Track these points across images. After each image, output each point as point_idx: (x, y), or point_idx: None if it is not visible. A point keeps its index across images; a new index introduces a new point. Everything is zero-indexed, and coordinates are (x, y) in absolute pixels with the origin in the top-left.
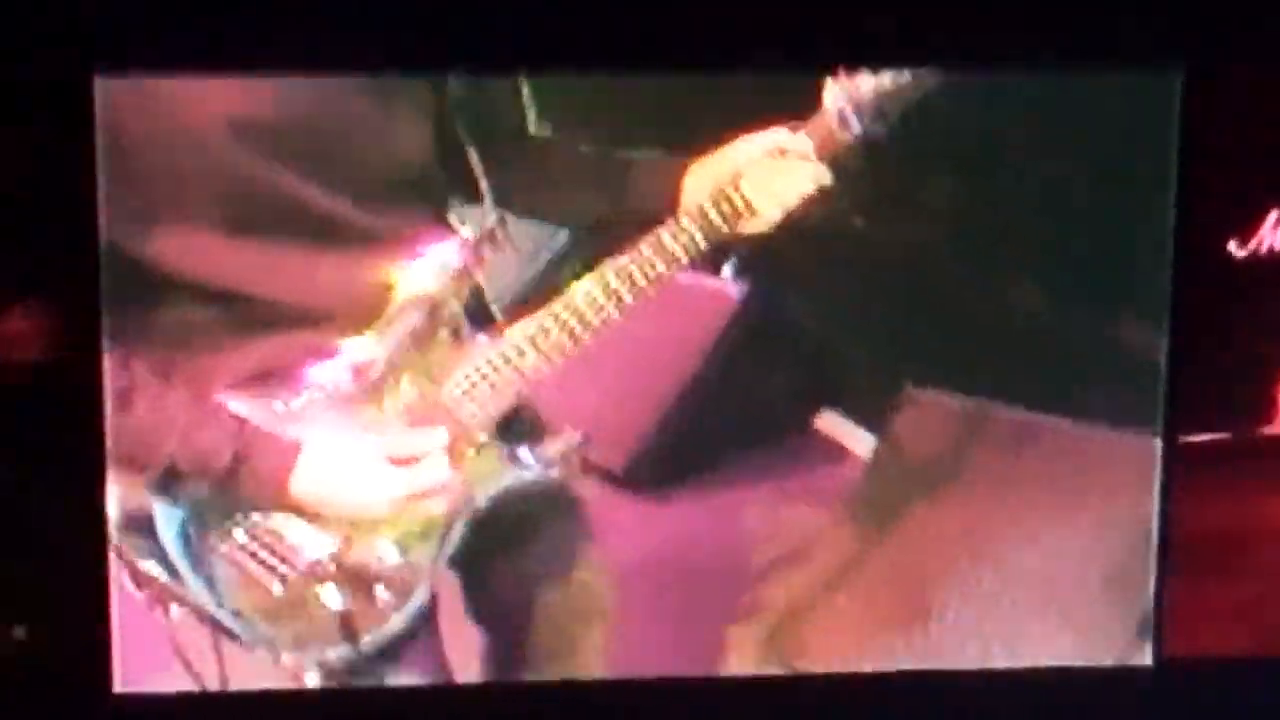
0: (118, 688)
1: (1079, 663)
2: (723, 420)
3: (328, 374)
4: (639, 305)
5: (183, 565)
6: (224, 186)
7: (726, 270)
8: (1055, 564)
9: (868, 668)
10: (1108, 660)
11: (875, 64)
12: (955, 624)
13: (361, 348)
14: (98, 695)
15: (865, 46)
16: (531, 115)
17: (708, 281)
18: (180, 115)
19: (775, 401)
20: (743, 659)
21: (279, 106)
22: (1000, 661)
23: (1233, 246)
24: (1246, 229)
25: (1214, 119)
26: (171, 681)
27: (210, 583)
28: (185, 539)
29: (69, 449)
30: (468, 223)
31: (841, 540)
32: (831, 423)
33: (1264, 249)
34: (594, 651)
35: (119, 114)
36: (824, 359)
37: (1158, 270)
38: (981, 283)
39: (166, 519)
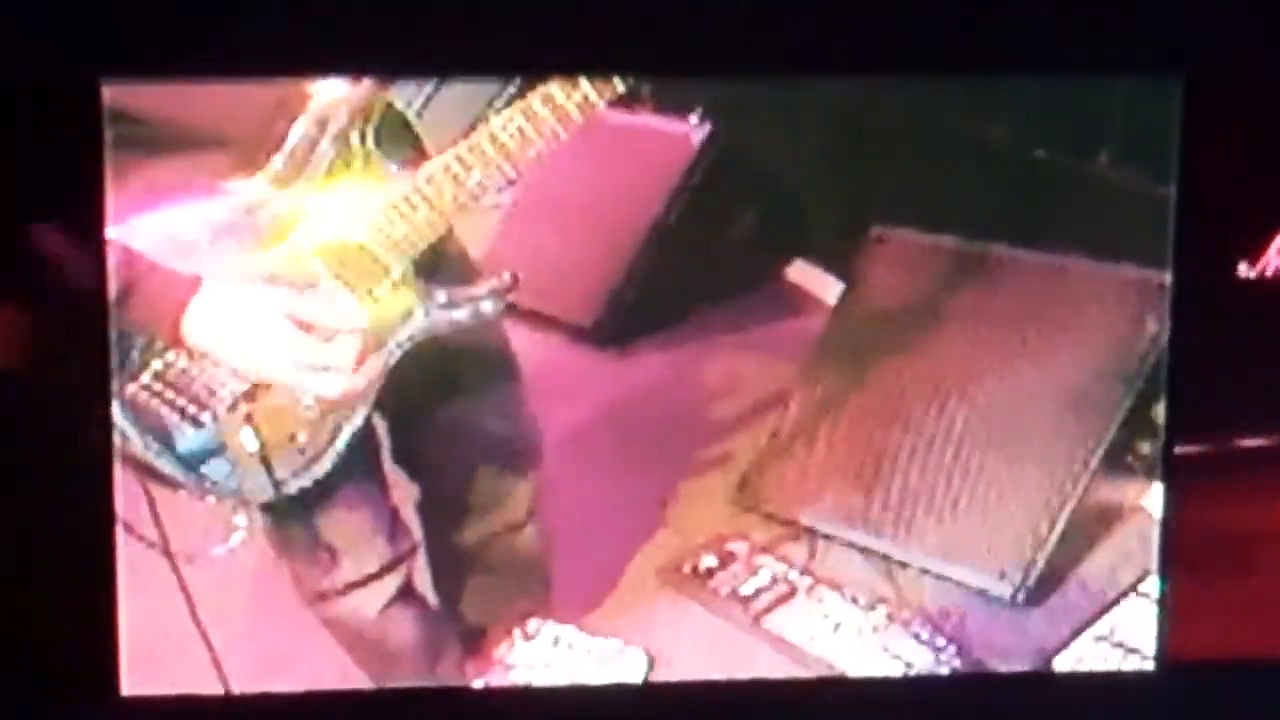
0: (125, 690)
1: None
2: (687, 270)
3: (225, 203)
4: (597, 149)
5: None
6: None
7: (693, 117)
8: (1025, 399)
9: (837, 515)
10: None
11: (873, 69)
12: (924, 465)
13: (263, 176)
14: (105, 698)
15: (864, 50)
16: None
17: (669, 126)
18: None
19: (741, 250)
20: (711, 510)
21: None
22: (951, 498)
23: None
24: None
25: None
26: (180, 684)
27: (124, 422)
28: None
29: (73, 444)
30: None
31: (811, 387)
32: (802, 272)
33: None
34: (524, 500)
35: None
36: (790, 204)
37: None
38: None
39: None
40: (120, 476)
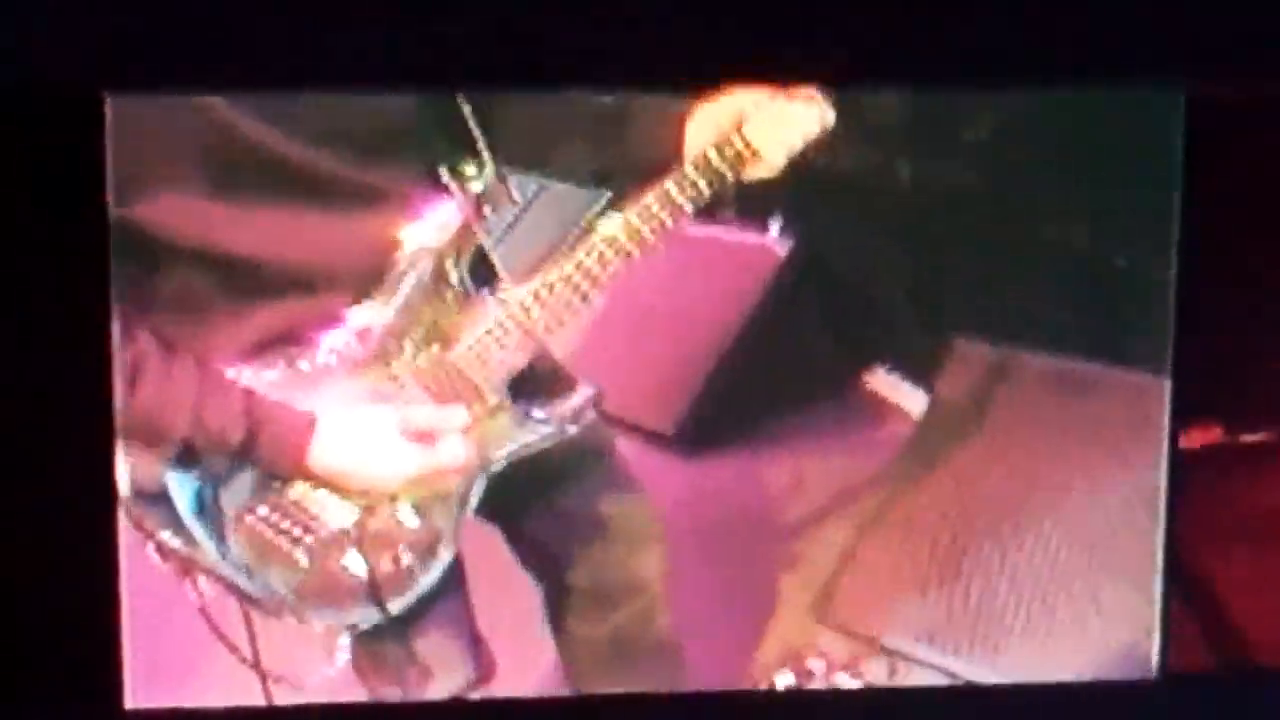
0: (129, 704)
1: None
2: (768, 379)
3: (334, 339)
4: (680, 259)
5: (202, 536)
6: (218, 148)
7: (772, 226)
8: (1111, 511)
9: (918, 634)
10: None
11: (878, 80)
12: (1009, 581)
13: (366, 311)
14: (108, 711)
15: (869, 62)
16: None
17: (752, 238)
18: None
19: (823, 359)
20: (790, 610)
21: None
22: (1039, 611)
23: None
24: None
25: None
26: (182, 697)
27: (234, 554)
28: (201, 509)
29: (80, 461)
30: (465, 179)
31: (892, 499)
32: (882, 380)
33: None
34: (653, 579)
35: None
36: (872, 314)
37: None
38: (1020, 226)
39: (181, 492)
40: (211, 593)
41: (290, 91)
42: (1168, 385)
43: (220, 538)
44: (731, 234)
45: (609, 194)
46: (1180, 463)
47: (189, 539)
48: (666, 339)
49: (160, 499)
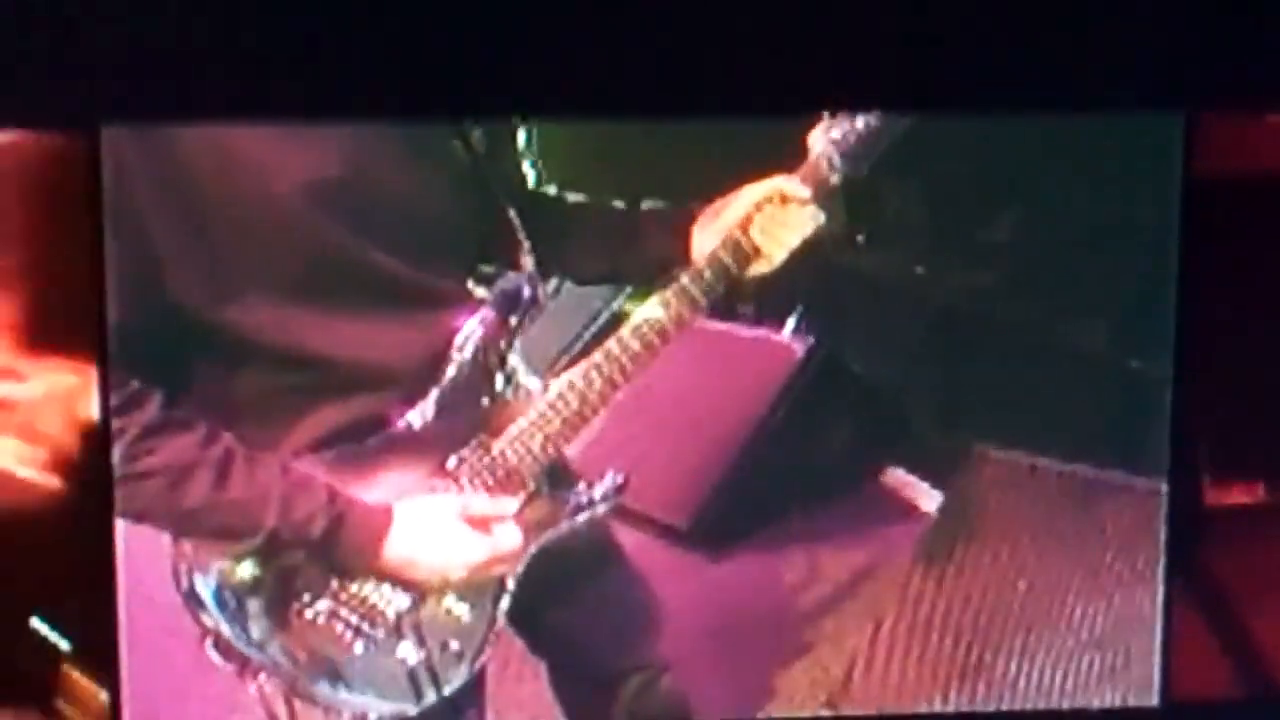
0: None
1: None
2: (784, 475)
3: (391, 435)
4: (697, 355)
5: (245, 633)
6: (295, 253)
7: (790, 324)
8: (1113, 622)
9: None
10: None
11: (884, 109)
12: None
13: (420, 408)
14: None
15: (874, 92)
16: (532, 173)
17: (771, 335)
18: (255, 178)
19: (839, 457)
20: (804, 704)
21: (348, 170)
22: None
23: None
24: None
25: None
26: None
27: (289, 649)
28: (222, 604)
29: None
30: (499, 287)
31: (906, 599)
32: (898, 479)
33: None
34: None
35: (192, 172)
36: (889, 414)
37: None
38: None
39: (204, 589)
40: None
41: (288, 123)
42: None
43: (271, 634)
44: (749, 331)
45: (628, 289)
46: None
47: (240, 637)
48: (683, 434)
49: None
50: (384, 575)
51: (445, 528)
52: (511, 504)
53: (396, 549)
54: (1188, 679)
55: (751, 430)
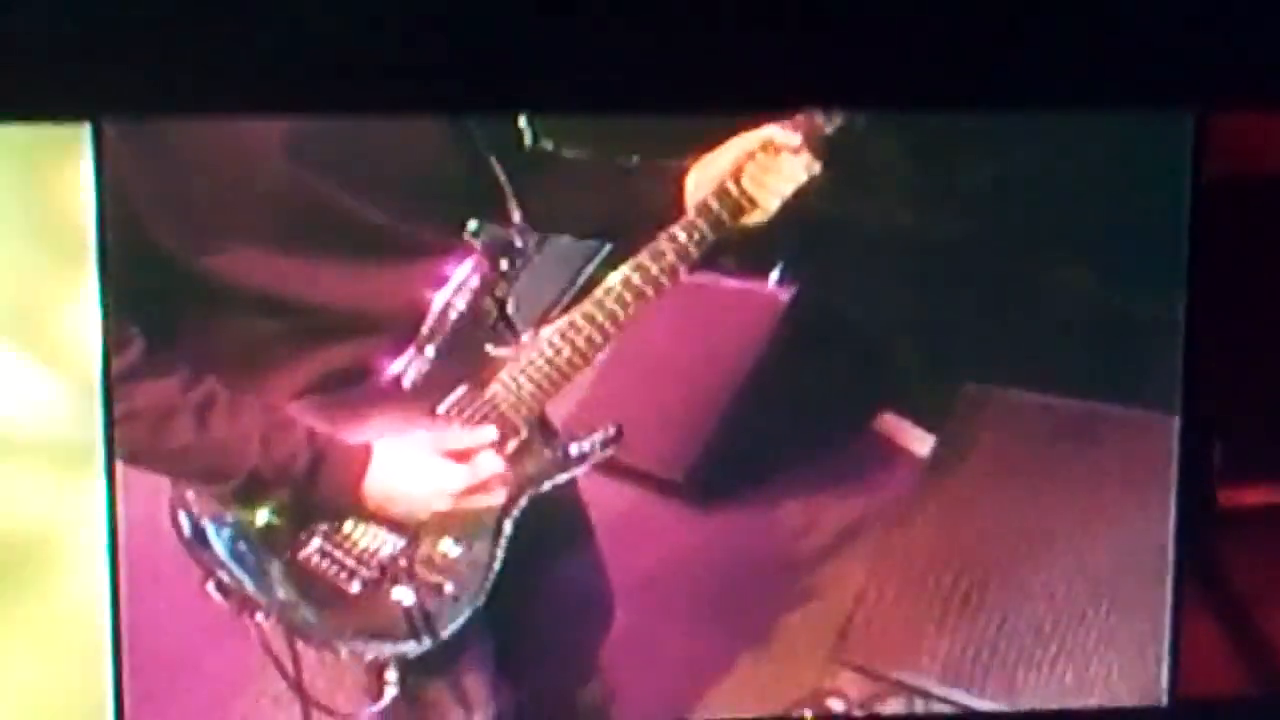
0: None
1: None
2: (776, 424)
3: (381, 382)
4: (684, 309)
5: (244, 575)
6: (280, 204)
7: (774, 274)
8: (1123, 549)
9: (935, 672)
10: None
11: (889, 106)
12: (1023, 619)
13: (410, 354)
14: None
15: (882, 87)
16: (528, 131)
17: (755, 286)
18: (237, 139)
19: (831, 403)
20: (807, 651)
21: (328, 129)
22: (1052, 644)
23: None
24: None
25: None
26: None
27: (285, 590)
28: (240, 551)
29: None
30: (491, 236)
31: (906, 542)
32: (891, 424)
33: None
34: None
35: (182, 142)
36: (879, 358)
37: None
38: (1026, 270)
39: (217, 535)
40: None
41: (286, 116)
42: (1175, 423)
43: (264, 575)
44: (733, 283)
45: (615, 242)
46: (1210, 503)
47: (239, 576)
48: (674, 387)
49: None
50: (370, 514)
51: (424, 461)
52: (490, 432)
53: (377, 484)
54: (1198, 677)
55: (741, 381)
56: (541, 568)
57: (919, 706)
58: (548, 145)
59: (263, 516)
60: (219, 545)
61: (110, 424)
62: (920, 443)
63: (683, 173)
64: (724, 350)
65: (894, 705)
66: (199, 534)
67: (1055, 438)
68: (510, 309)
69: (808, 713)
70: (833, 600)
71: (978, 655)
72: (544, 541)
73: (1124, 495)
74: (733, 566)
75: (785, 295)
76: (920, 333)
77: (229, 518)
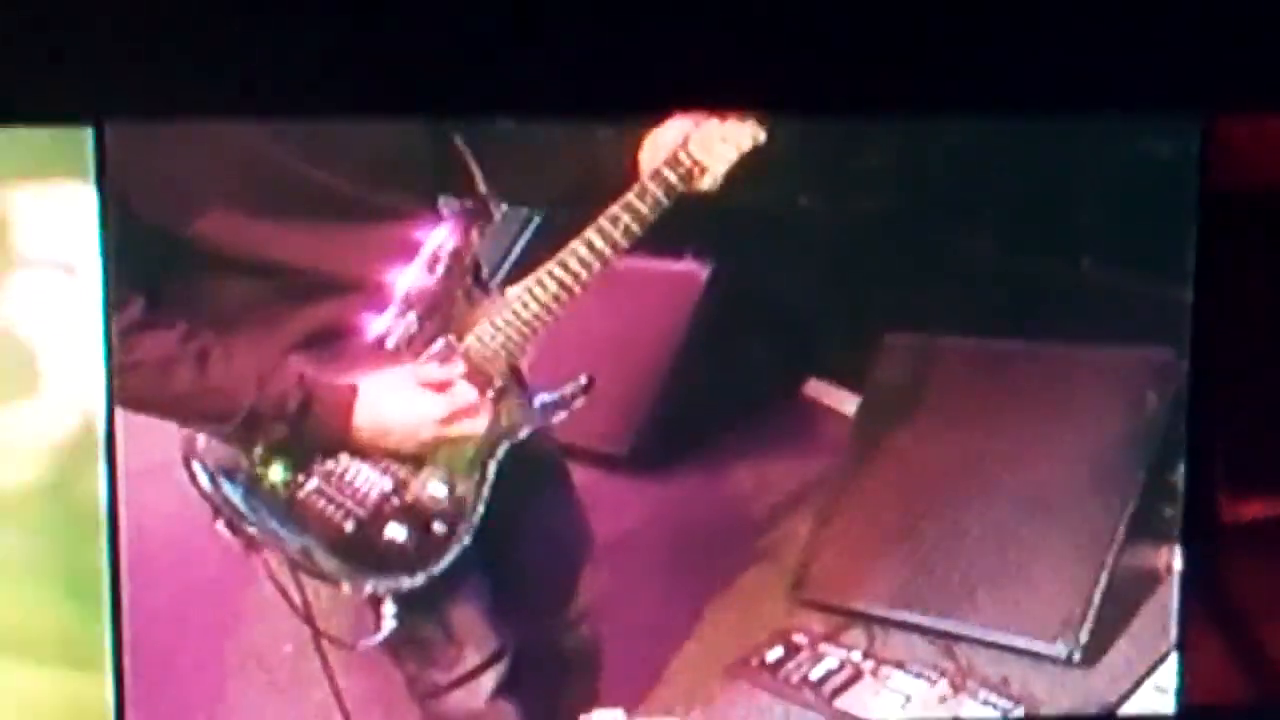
0: None
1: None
2: (709, 397)
3: (364, 335)
4: (609, 292)
5: (251, 515)
6: (259, 175)
7: (688, 255)
8: (1049, 477)
9: (890, 600)
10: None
11: (897, 111)
12: (966, 545)
13: (392, 316)
14: None
15: (886, 93)
16: None
17: (673, 265)
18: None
19: (758, 373)
20: (769, 598)
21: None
22: (994, 565)
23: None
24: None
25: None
26: None
27: (290, 527)
28: (244, 495)
29: None
30: (462, 205)
31: (848, 482)
32: (818, 389)
33: None
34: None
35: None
36: (797, 327)
37: None
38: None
39: (227, 480)
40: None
41: (286, 120)
42: (1095, 351)
43: (270, 515)
44: (650, 263)
45: (576, 209)
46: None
47: (244, 515)
48: (608, 368)
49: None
50: (362, 451)
51: (405, 393)
52: (459, 366)
53: (365, 419)
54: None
55: (670, 356)
56: (524, 512)
57: (878, 632)
58: (509, 123)
59: (265, 460)
60: (228, 489)
61: (111, 377)
62: (847, 404)
63: (637, 143)
64: (649, 327)
65: (856, 635)
66: (211, 479)
67: (976, 373)
68: (482, 271)
69: (778, 649)
70: (786, 553)
71: (922, 581)
72: (525, 487)
73: (1047, 418)
74: (688, 531)
75: (703, 273)
76: (836, 299)
77: (237, 463)
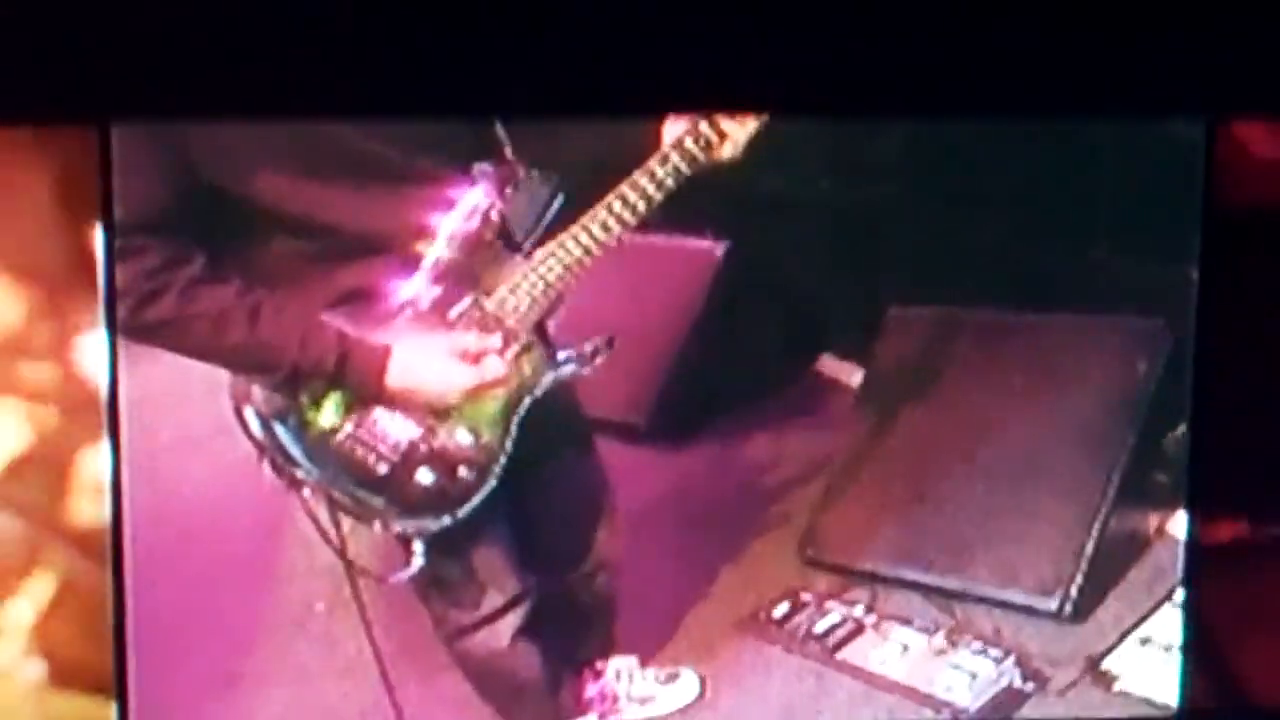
0: None
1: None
2: (725, 372)
3: (399, 294)
4: (627, 267)
5: (299, 455)
6: (305, 138)
7: (708, 236)
8: (1042, 440)
9: (892, 558)
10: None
11: (903, 111)
12: (964, 506)
13: (426, 277)
14: None
15: (894, 93)
16: None
17: (689, 242)
18: None
19: (772, 349)
20: (779, 560)
21: None
22: (994, 526)
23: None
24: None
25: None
26: None
27: (330, 469)
28: (297, 434)
29: None
30: (494, 168)
31: (854, 448)
32: (830, 365)
33: None
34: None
35: None
36: (811, 304)
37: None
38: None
39: (277, 424)
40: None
41: (295, 120)
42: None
43: (313, 455)
44: (667, 240)
45: (601, 175)
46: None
47: (289, 457)
48: (628, 338)
49: (265, 428)
50: (392, 403)
51: (437, 360)
52: (495, 340)
53: (396, 379)
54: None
55: (689, 330)
56: (546, 467)
57: (880, 589)
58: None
59: (313, 405)
60: (280, 431)
61: (111, 304)
62: (858, 379)
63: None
64: (666, 301)
65: (860, 592)
66: (263, 423)
67: (984, 343)
68: (513, 233)
69: (784, 605)
70: (793, 509)
71: (923, 541)
72: (549, 444)
73: (1042, 386)
74: (704, 499)
75: (718, 249)
76: (849, 279)
77: (287, 408)
